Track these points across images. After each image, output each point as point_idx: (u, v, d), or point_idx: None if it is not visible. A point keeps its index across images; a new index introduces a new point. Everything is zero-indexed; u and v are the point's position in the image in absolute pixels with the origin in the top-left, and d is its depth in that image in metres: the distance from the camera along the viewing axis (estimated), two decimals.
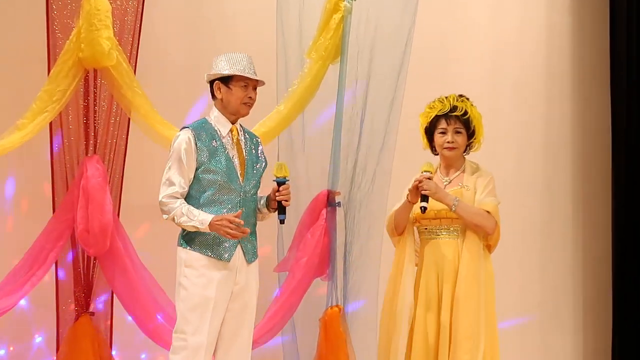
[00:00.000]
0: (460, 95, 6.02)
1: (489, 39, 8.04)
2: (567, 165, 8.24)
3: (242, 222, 5.44)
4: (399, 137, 6.67)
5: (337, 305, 6.64)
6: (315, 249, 6.58)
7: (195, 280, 5.51)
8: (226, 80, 5.58)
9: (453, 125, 5.95)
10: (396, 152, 6.69)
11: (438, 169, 6.09)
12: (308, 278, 6.58)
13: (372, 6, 6.69)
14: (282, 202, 5.61)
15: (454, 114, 5.93)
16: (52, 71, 6.36)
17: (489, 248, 5.99)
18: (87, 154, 6.48)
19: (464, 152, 6.04)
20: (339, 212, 6.70)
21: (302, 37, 6.74)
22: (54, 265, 6.48)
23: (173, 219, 5.50)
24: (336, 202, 6.69)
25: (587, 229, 8.24)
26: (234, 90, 5.58)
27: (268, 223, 6.20)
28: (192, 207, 5.49)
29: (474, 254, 5.84)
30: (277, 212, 5.66)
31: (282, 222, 5.70)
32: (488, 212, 5.86)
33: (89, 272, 6.52)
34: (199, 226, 5.46)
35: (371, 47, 6.68)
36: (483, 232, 5.89)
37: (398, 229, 6.04)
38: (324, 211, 6.65)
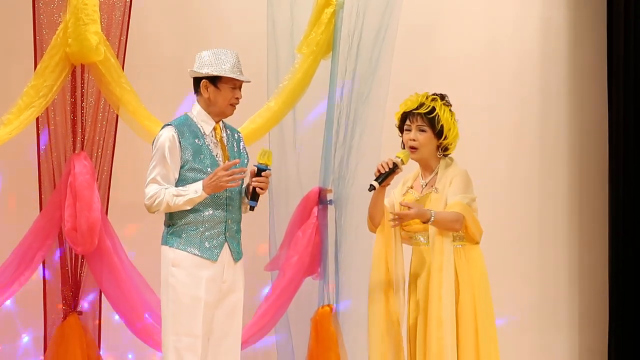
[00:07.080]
0: (443, 94, 5.76)
1: (483, 34, 7.99)
2: (563, 163, 8.19)
3: (236, 162, 5.39)
4: (390, 134, 6.56)
5: (328, 305, 6.60)
6: (306, 247, 6.53)
7: (183, 280, 5.42)
8: (214, 79, 5.47)
9: (416, 123, 5.71)
10: (388, 148, 6.58)
11: (420, 173, 5.92)
12: (299, 277, 6.53)
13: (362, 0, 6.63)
14: (257, 189, 5.46)
15: (419, 111, 5.75)
16: (38, 66, 6.29)
17: (470, 241, 5.72)
18: (74, 150, 6.40)
19: (439, 153, 5.74)
20: (331, 209, 6.63)
21: (293, 31, 6.70)
22: (41, 264, 6.40)
23: (167, 206, 5.40)
24: (328, 199, 6.62)
25: (583, 227, 8.21)
26: (222, 91, 5.48)
27: (260, 221, 6.14)
28: (177, 187, 5.41)
29: (438, 259, 5.60)
30: (249, 198, 5.48)
31: (252, 208, 5.49)
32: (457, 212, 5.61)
33: (76, 271, 6.46)
34: (194, 196, 5.37)
35: (358, 41, 6.60)
36: (452, 232, 5.63)
37: (372, 220, 5.77)
38: (315, 209, 6.59)
